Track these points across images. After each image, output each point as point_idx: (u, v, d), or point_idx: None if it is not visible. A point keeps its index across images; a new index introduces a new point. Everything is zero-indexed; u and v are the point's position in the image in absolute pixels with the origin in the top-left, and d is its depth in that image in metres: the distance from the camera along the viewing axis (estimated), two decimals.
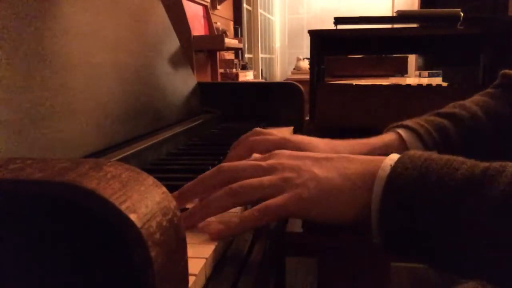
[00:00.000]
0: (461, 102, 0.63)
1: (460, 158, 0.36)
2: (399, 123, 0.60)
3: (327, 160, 0.40)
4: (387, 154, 0.54)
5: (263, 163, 0.41)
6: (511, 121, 0.60)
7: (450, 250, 0.34)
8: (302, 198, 0.38)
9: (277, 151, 0.43)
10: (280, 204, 0.38)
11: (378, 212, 0.36)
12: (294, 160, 0.41)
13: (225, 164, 0.42)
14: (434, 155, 0.37)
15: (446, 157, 0.36)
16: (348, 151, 0.54)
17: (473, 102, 0.62)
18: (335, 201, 0.38)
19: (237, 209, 0.43)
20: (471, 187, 0.34)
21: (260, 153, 0.54)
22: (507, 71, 0.65)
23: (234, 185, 0.39)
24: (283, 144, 0.53)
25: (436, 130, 0.58)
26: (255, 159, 0.44)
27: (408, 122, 0.59)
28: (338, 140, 0.56)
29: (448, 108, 0.62)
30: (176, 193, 0.42)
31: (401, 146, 0.56)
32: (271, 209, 0.38)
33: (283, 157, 0.42)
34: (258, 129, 0.59)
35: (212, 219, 0.41)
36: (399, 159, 0.37)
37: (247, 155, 0.54)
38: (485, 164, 0.35)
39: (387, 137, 0.58)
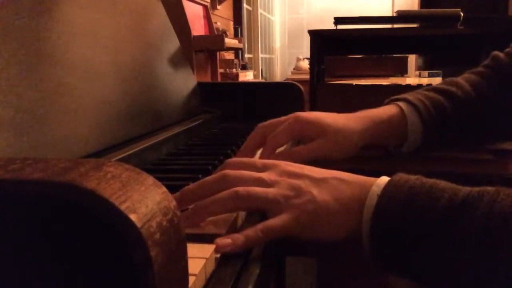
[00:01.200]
0: (456, 79, 0.68)
1: (442, 185, 0.39)
2: (401, 96, 0.65)
3: (324, 181, 0.43)
4: (390, 127, 0.61)
5: (266, 178, 0.43)
6: (499, 99, 0.66)
7: (437, 275, 0.37)
8: (300, 221, 0.40)
9: (276, 164, 0.45)
10: (281, 226, 0.40)
11: (368, 238, 0.40)
12: (294, 178, 0.43)
13: (230, 172, 0.43)
14: (418, 182, 0.39)
15: (428, 184, 0.39)
16: (359, 126, 0.60)
17: (467, 81, 0.67)
18: (329, 223, 0.41)
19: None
20: (451, 219, 0.36)
21: (282, 145, 0.60)
22: (497, 53, 0.71)
23: (241, 190, 0.41)
24: (301, 128, 0.58)
25: (434, 107, 0.63)
26: (255, 164, 0.45)
27: (409, 96, 0.64)
28: (348, 115, 0.62)
29: (445, 85, 0.67)
30: (177, 194, 0.42)
31: (402, 119, 0.62)
32: (274, 231, 0.40)
33: (284, 173, 0.44)
34: (261, 124, 0.62)
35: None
36: (384, 189, 0.40)
37: (262, 142, 0.59)
38: (465, 191, 0.37)
39: (391, 110, 0.63)
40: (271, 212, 0.41)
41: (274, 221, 0.40)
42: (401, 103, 0.63)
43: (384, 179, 0.41)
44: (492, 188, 0.37)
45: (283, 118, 0.61)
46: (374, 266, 0.40)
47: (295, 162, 0.47)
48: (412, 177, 0.40)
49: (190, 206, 0.43)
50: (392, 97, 0.66)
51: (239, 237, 0.38)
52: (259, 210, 0.43)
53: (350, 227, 0.41)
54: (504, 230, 0.34)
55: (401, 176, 0.41)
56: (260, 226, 0.39)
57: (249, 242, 0.38)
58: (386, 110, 0.63)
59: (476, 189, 0.37)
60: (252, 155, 0.60)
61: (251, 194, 0.41)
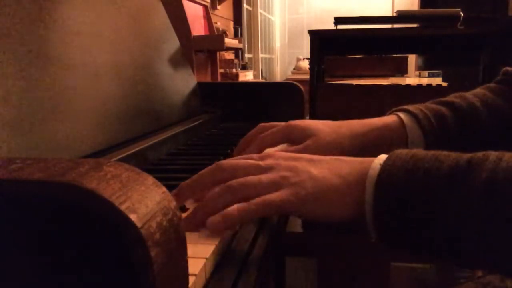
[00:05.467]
0: (463, 93, 0.65)
1: (445, 152, 0.38)
2: (401, 107, 0.63)
3: (321, 161, 0.42)
4: (386, 135, 0.59)
5: (261, 163, 0.42)
6: (507, 115, 0.63)
7: (443, 239, 0.36)
8: (299, 196, 0.39)
9: (273, 152, 0.45)
10: (280, 200, 0.38)
11: (372, 209, 0.38)
12: (290, 161, 0.42)
13: (223, 162, 0.42)
14: (421, 151, 0.38)
15: (432, 152, 0.38)
16: (349, 131, 0.58)
17: (474, 94, 0.65)
18: (331, 199, 0.39)
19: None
20: (457, 177, 0.35)
21: (272, 146, 0.60)
22: (509, 68, 0.68)
23: (233, 182, 0.40)
24: (290, 132, 0.58)
25: (435, 117, 0.60)
26: (252, 157, 0.45)
27: (409, 107, 0.62)
28: (339, 122, 0.60)
29: (449, 97, 0.65)
30: (175, 190, 0.42)
31: (400, 128, 0.59)
32: (271, 205, 0.38)
33: (280, 158, 0.43)
34: (262, 124, 0.62)
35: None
36: (387, 158, 0.39)
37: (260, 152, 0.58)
38: (469, 155, 0.36)
39: (388, 119, 0.61)
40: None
41: (272, 195, 0.39)
42: (399, 113, 0.62)
43: (385, 155, 0.40)
44: (496, 152, 0.36)
45: (280, 123, 0.61)
46: (379, 241, 0.38)
47: None
48: (414, 149, 0.39)
49: (187, 205, 0.43)
50: (393, 109, 0.65)
51: (232, 212, 0.37)
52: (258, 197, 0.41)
53: (352, 203, 0.39)
54: (511, 184, 0.33)
55: (402, 149, 0.40)
56: (256, 199, 0.38)
57: (243, 215, 0.38)
58: (383, 119, 0.62)
59: (480, 152, 0.37)
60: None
61: (244, 184, 0.40)
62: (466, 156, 0.36)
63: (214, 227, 0.37)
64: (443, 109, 0.62)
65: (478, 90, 0.67)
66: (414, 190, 0.36)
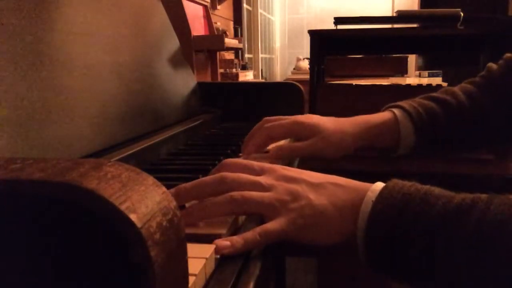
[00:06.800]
0: (452, 89, 0.72)
1: (436, 192, 0.39)
2: (396, 103, 0.70)
3: (321, 186, 0.43)
4: (383, 131, 0.66)
5: (263, 182, 0.43)
6: (490, 108, 0.69)
7: (429, 280, 0.37)
8: (297, 225, 0.41)
9: (273, 168, 0.46)
10: (279, 230, 0.40)
11: (363, 244, 0.40)
12: (292, 183, 0.43)
13: (228, 175, 0.43)
14: (413, 188, 0.40)
15: (423, 191, 0.39)
16: (353, 129, 0.64)
17: (462, 91, 0.71)
18: (325, 227, 0.42)
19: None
20: (445, 225, 0.37)
21: (277, 139, 0.64)
22: (491, 64, 0.74)
23: (237, 195, 0.41)
24: (297, 129, 0.62)
25: (427, 113, 0.67)
26: (253, 166, 0.46)
27: (403, 104, 0.69)
28: (344, 119, 0.66)
29: (440, 93, 0.71)
30: (172, 190, 0.42)
31: (394, 124, 0.66)
32: (271, 235, 0.40)
33: (281, 178, 0.44)
34: (267, 118, 0.65)
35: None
36: (379, 195, 0.40)
37: (266, 144, 0.62)
38: (459, 199, 0.38)
39: (385, 116, 0.67)
40: (267, 216, 0.41)
41: (271, 225, 0.40)
42: (395, 109, 0.67)
43: (379, 185, 0.42)
44: (485, 195, 0.37)
45: (286, 117, 0.64)
46: (370, 271, 0.41)
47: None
48: (407, 183, 0.41)
49: (187, 205, 0.43)
50: (388, 105, 0.70)
51: (238, 240, 0.38)
52: (255, 214, 0.43)
53: (345, 233, 0.41)
54: (496, 236, 0.34)
55: (396, 182, 0.41)
56: (258, 229, 0.40)
57: (248, 245, 0.39)
58: (380, 116, 0.68)
59: (470, 196, 0.38)
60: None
61: (247, 199, 0.41)
62: (456, 200, 0.38)
63: (221, 252, 0.38)
64: (434, 105, 0.67)
65: (466, 86, 0.72)
66: (403, 233, 0.38)
